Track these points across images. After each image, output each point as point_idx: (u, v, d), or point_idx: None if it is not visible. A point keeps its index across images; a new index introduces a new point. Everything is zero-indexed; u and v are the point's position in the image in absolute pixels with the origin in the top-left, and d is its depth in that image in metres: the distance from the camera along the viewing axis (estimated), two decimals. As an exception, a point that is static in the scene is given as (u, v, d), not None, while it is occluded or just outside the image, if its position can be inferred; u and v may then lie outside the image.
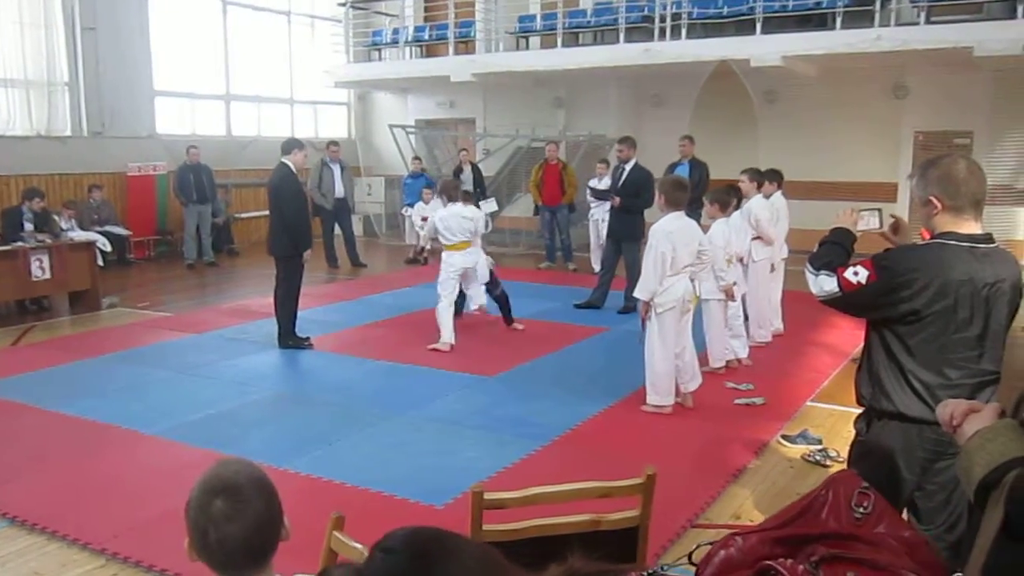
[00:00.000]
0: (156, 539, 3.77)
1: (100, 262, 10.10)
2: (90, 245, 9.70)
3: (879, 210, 2.90)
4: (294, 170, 7.23)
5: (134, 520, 4.07)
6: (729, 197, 6.73)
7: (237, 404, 5.98)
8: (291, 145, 7.29)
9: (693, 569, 1.06)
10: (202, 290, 10.91)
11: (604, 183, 10.47)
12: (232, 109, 15.01)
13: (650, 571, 1.04)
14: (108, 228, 11.76)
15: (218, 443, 4.97)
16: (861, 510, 1.08)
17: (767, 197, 7.36)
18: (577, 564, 1.10)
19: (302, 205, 7.39)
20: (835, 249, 2.81)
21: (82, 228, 10.97)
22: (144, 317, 8.97)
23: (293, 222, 7.20)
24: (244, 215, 14.60)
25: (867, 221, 2.88)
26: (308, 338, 7.50)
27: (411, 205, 13.08)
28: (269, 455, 4.69)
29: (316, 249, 12.54)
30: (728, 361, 6.70)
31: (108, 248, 11.25)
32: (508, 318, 8.08)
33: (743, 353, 6.86)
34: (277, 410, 5.91)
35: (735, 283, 6.58)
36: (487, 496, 2.37)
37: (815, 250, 2.86)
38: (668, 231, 5.48)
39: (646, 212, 8.81)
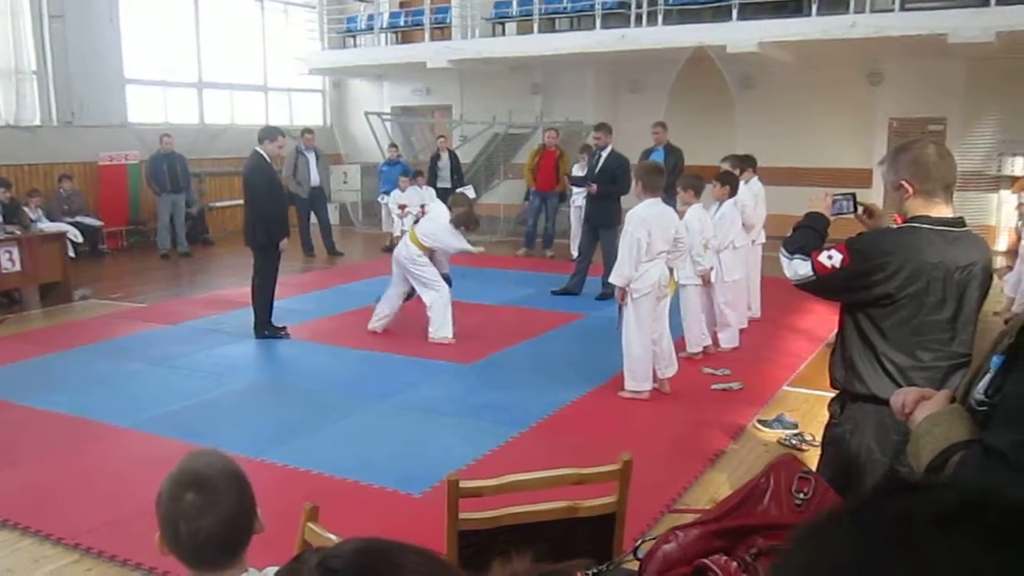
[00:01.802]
0: (131, 533, 3.73)
1: (71, 253, 9.94)
2: (61, 236, 9.55)
3: (853, 194, 2.91)
4: (267, 159, 7.14)
5: (108, 514, 4.02)
6: (702, 183, 6.76)
7: (212, 395, 5.93)
8: (265, 133, 7.21)
9: (637, 564, 1.05)
10: (176, 281, 10.79)
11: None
12: (205, 97, 14.82)
13: (595, 571, 1.03)
14: (79, 219, 11.58)
15: (193, 435, 4.92)
16: (801, 496, 1.08)
17: (746, 183, 7.39)
18: (519, 567, 1.08)
19: (276, 194, 7.29)
20: (809, 233, 2.82)
21: (50, 219, 10.79)
22: (117, 308, 8.87)
23: (266, 212, 7.12)
24: (218, 204, 14.45)
25: (840, 206, 2.89)
26: (284, 328, 7.45)
27: (387, 193, 12.99)
28: (244, 446, 4.65)
29: (292, 238, 12.54)
30: (705, 347, 6.73)
31: (79, 239, 11.07)
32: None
33: (734, 343, 6.90)
34: (253, 400, 5.87)
35: (712, 268, 6.61)
36: (463, 484, 2.36)
37: (789, 234, 2.87)
38: (644, 217, 5.49)
39: (623, 198, 8.81)
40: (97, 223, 12.08)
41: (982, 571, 0.49)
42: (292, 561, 1.50)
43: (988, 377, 1.42)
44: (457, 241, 7.21)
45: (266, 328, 7.37)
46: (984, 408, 1.41)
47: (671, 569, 1.02)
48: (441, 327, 7.17)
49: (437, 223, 7.36)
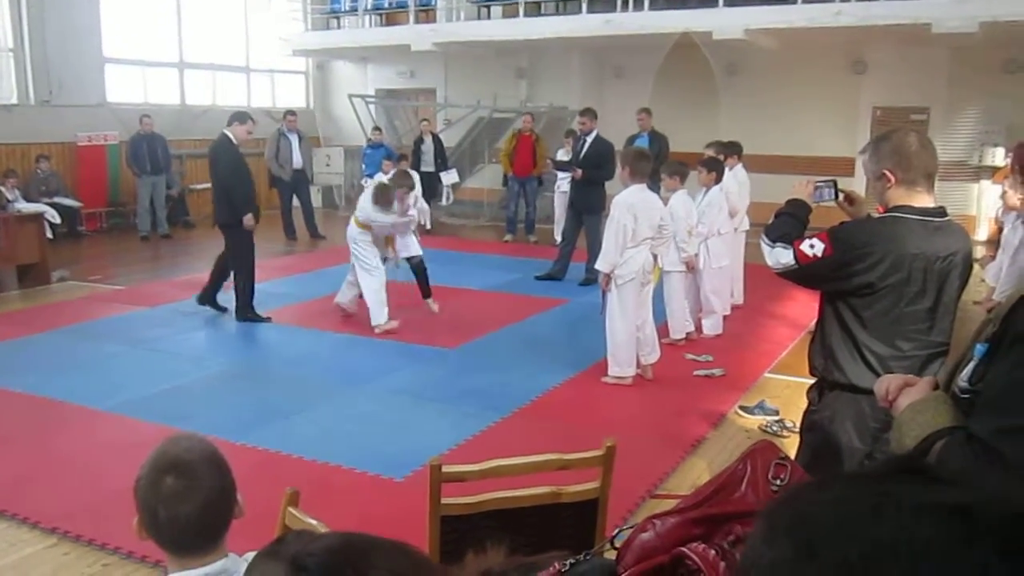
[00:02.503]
0: (109, 517, 3.70)
1: (49, 235, 9.82)
2: (39, 217, 9.42)
3: (834, 182, 2.91)
4: (234, 141, 7.16)
5: (86, 498, 3.99)
6: (687, 169, 6.76)
7: (192, 378, 5.88)
8: (236, 116, 7.26)
9: (615, 553, 1.04)
10: (156, 263, 10.69)
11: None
12: (186, 77, 14.63)
13: (572, 560, 1.02)
14: (58, 199, 11.43)
15: (173, 418, 4.88)
16: (778, 482, 1.08)
17: (730, 169, 7.40)
18: (493, 559, 1.07)
19: (239, 172, 7.25)
20: (791, 221, 2.82)
21: (28, 200, 10.63)
22: (96, 291, 8.77)
23: (229, 188, 7.17)
24: (199, 186, 14.26)
25: (822, 193, 2.89)
26: (268, 318, 7.41)
27: (371, 176, 12.85)
28: (225, 429, 4.62)
29: (273, 220, 12.45)
30: (688, 333, 6.75)
31: (57, 220, 10.93)
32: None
33: (717, 330, 6.93)
34: (233, 384, 5.83)
35: (696, 254, 6.63)
36: (446, 469, 2.35)
37: (770, 222, 2.87)
38: (630, 203, 5.48)
39: (608, 184, 8.80)
40: (75, 204, 11.94)
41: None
42: (272, 544, 1.48)
43: (972, 365, 1.42)
44: (380, 216, 7.10)
45: (248, 312, 7.32)
46: (968, 396, 1.42)
47: (649, 558, 1.01)
48: (377, 315, 6.99)
49: (365, 200, 7.33)
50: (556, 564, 1.04)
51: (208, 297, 7.55)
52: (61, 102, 12.21)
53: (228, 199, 7.18)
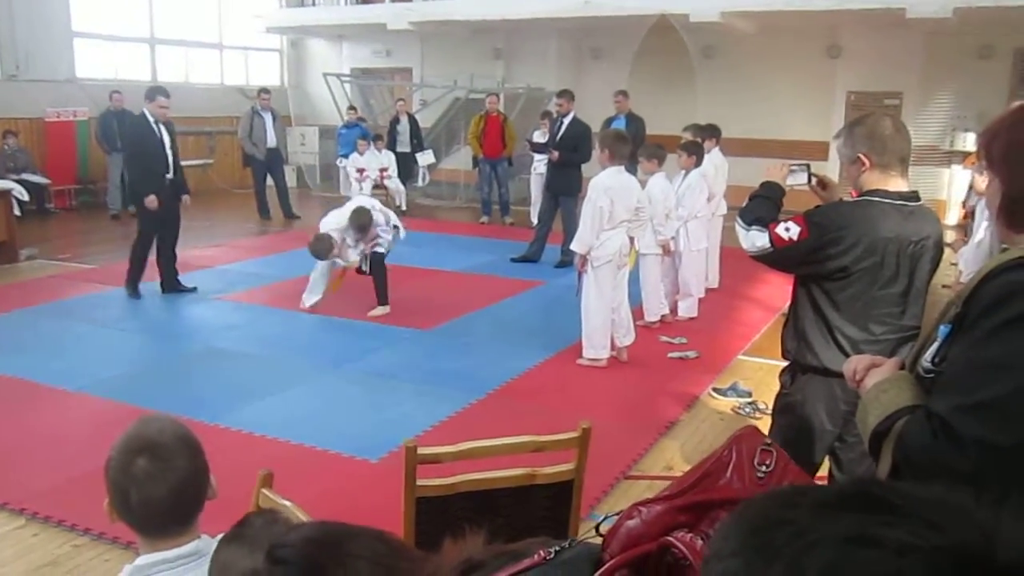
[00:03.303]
0: (79, 498, 3.66)
1: (17, 212, 9.63)
2: (6, 194, 9.23)
3: (807, 165, 2.93)
4: (150, 119, 7.09)
5: (55, 479, 3.95)
6: (664, 152, 6.76)
7: (165, 359, 5.83)
8: (147, 93, 7.21)
9: (601, 540, 1.04)
10: (127, 242, 10.36)
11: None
12: (157, 53, 14.39)
13: (557, 547, 1.02)
14: (25, 176, 11.21)
15: (145, 399, 4.83)
16: (764, 468, 1.09)
17: (708, 152, 7.41)
18: (472, 547, 1.07)
19: (142, 151, 7.16)
20: (765, 204, 2.83)
21: (-5, 175, 10.44)
22: (66, 269, 8.65)
23: (129, 167, 7.21)
24: (172, 164, 14.12)
25: (796, 177, 2.90)
26: (194, 288, 7.54)
27: (346, 156, 12.81)
28: (197, 410, 4.59)
29: (246, 200, 12.32)
30: (663, 316, 6.78)
31: (25, 197, 10.68)
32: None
33: (692, 313, 6.97)
34: (206, 364, 5.78)
35: (672, 237, 6.65)
36: (421, 451, 2.35)
37: (745, 204, 2.88)
38: (607, 185, 5.48)
39: (584, 166, 8.79)
40: (44, 181, 11.73)
41: None
42: (235, 527, 1.48)
43: (935, 346, 1.45)
44: (349, 246, 6.82)
45: (128, 287, 7.35)
46: (931, 376, 1.45)
47: (635, 545, 1.01)
48: (307, 298, 6.97)
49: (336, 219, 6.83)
50: (541, 551, 1.03)
51: (169, 284, 7.49)
52: (29, 77, 11.97)
53: (129, 178, 7.32)
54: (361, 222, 6.68)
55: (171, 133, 7.30)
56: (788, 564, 0.49)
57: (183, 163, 13.13)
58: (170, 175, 7.27)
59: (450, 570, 1.03)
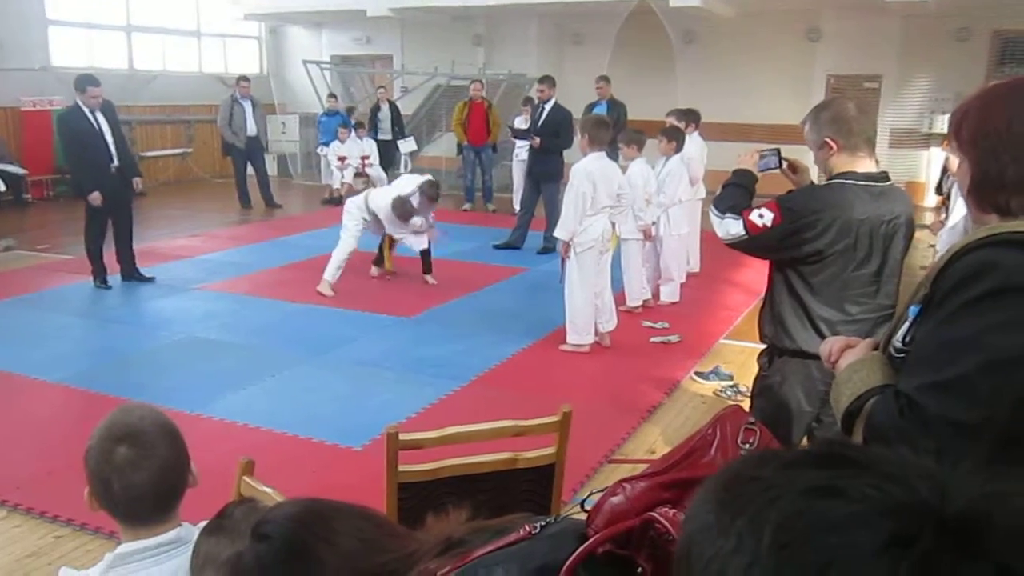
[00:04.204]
0: (60, 489, 3.65)
1: (-6, 202, 9.56)
2: (-18, 184, 9.15)
3: (777, 150, 2.95)
4: (85, 110, 6.93)
5: (36, 470, 3.93)
6: (644, 138, 6.77)
7: (145, 349, 5.80)
8: (76, 83, 7.01)
9: (585, 516, 1.05)
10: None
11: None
12: (134, 41, 14.22)
13: (543, 522, 1.03)
14: (2, 166, 11.10)
15: (125, 389, 4.80)
16: (747, 446, 1.10)
17: (688, 137, 7.43)
18: (455, 523, 1.08)
19: (81, 144, 6.99)
20: (738, 191, 2.86)
21: (-30, 166, 10.32)
22: (44, 260, 8.57)
23: (71, 162, 7.12)
24: (149, 154, 13.98)
25: (768, 162, 2.93)
26: (152, 278, 7.49)
27: (327, 144, 12.74)
28: (179, 400, 4.58)
29: (227, 189, 12.23)
30: (645, 301, 6.81)
31: (2, 188, 10.63)
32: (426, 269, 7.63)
33: (674, 298, 7.00)
34: (188, 354, 5.75)
35: (653, 223, 6.67)
36: (403, 437, 2.36)
37: (719, 192, 2.90)
38: (589, 171, 5.49)
39: (566, 152, 8.79)
40: (20, 171, 11.59)
41: None
42: (215, 518, 1.48)
43: (906, 326, 1.47)
44: (396, 228, 7.16)
45: (96, 278, 7.27)
46: (902, 355, 1.46)
47: (619, 521, 1.02)
48: (330, 273, 7.16)
49: (383, 198, 7.12)
50: (527, 526, 1.05)
51: (127, 272, 7.45)
52: (3, 65, 11.80)
53: (72, 173, 7.21)
54: (404, 210, 6.95)
55: (110, 118, 7.10)
56: (752, 516, 0.51)
57: (162, 152, 12.94)
58: (115, 163, 7.10)
59: (432, 546, 1.05)
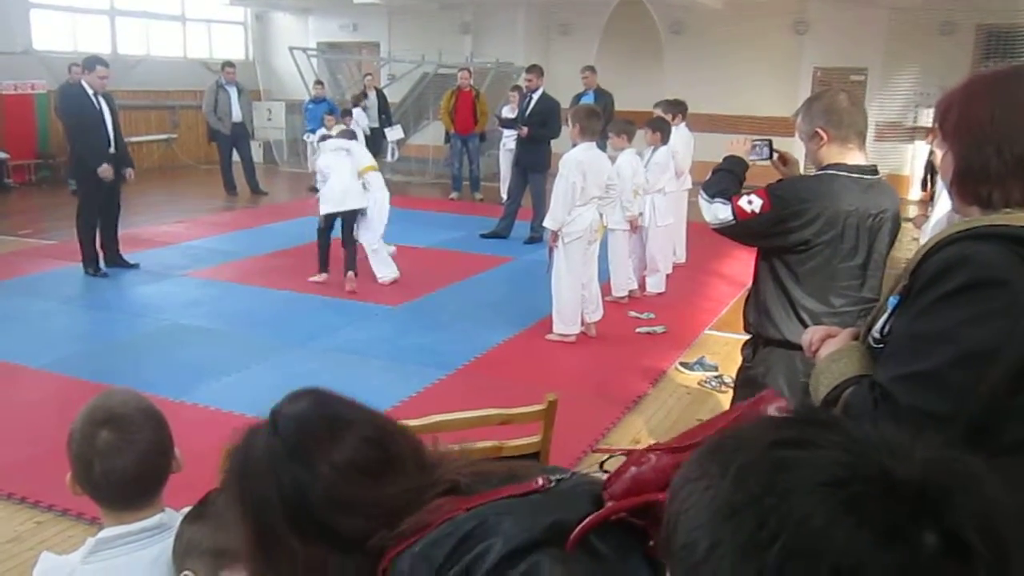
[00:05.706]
0: (41, 475, 3.61)
1: (-25, 187, 9.46)
2: (-38, 169, 9.05)
3: (769, 141, 2.97)
4: (89, 92, 6.92)
5: (17, 455, 3.90)
6: (634, 128, 6.77)
7: (129, 335, 5.76)
8: (84, 63, 7.11)
9: (604, 476, 1.03)
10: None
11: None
12: (118, 25, 14.07)
13: (559, 477, 1.03)
14: (-17, 151, 10.99)
15: (109, 375, 4.76)
16: None
17: (675, 128, 7.43)
18: (484, 465, 1.11)
19: (87, 122, 6.97)
20: (728, 177, 2.86)
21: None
22: (26, 245, 8.49)
23: (78, 140, 7.02)
24: (134, 139, 13.82)
25: (760, 151, 2.94)
26: (137, 264, 7.45)
27: (313, 131, 12.62)
28: (163, 387, 4.55)
29: (212, 175, 12.14)
30: (631, 291, 6.83)
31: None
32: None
33: (660, 288, 7.02)
34: (172, 341, 5.72)
35: (640, 213, 6.68)
36: (388, 424, 2.35)
37: (708, 177, 2.91)
38: (579, 161, 5.49)
39: (554, 142, 8.78)
40: (2, 156, 11.47)
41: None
42: (196, 506, 1.48)
43: (885, 317, 1.48)
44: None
45: (88, 265, 7.17)
46: (880, 346, 1.48)
47: (640, 492, 1.00)
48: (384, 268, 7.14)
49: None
50: (540, 479, 1.05)
51: (111, 259, 7.38)
52: (-17, 48, 11.66)
53: (77, 151, 7.06)
54: None
55: (111, 106, 7.09)
56: (721, 459, 0.59)
57: (146, 138, 12.84)
58: (112, 150, 7.06)
59: (457, 471, 1.06)
